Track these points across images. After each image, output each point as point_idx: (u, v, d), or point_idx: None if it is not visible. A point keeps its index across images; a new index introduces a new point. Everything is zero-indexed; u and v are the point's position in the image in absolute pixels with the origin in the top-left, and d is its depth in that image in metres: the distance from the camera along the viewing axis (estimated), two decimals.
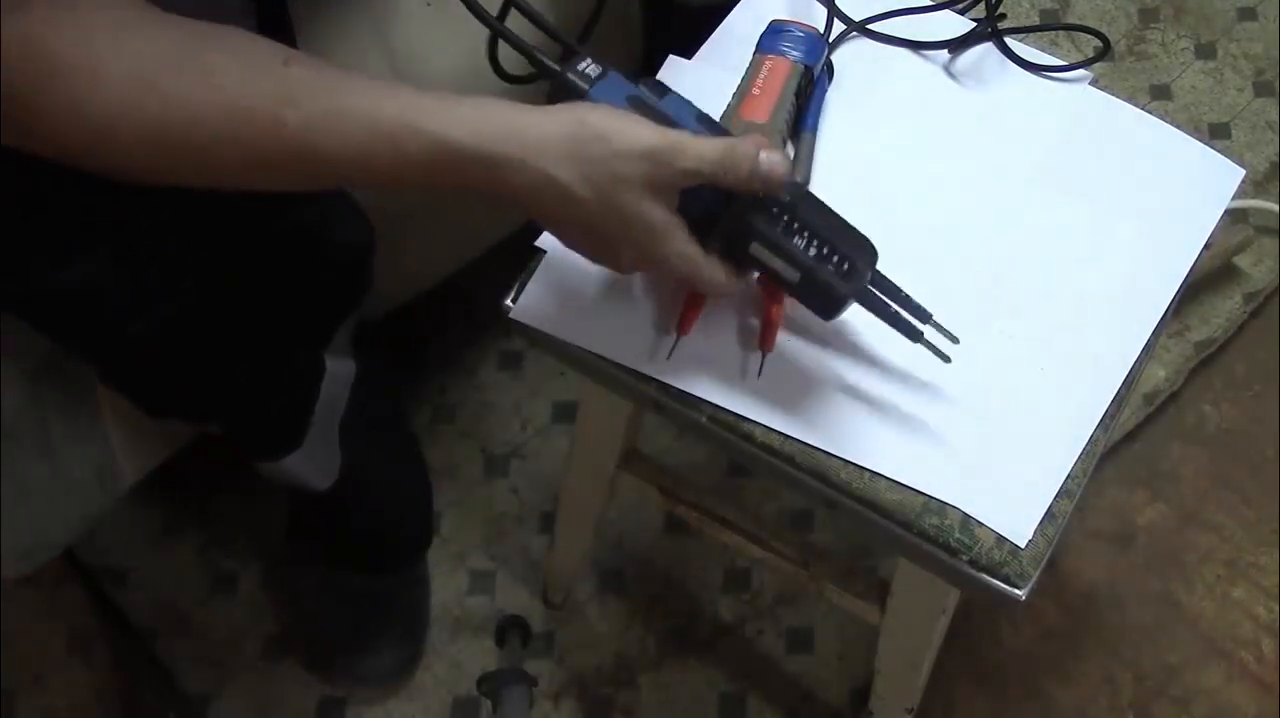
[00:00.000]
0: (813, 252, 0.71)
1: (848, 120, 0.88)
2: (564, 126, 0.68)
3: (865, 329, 0.79)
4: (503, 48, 0.76)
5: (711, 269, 0.72)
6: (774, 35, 0.85)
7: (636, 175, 0.67)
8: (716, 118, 0.75)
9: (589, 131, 0.67)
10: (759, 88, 0.83)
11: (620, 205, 0.68)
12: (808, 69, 0.84)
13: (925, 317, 0.74)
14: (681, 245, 0.70)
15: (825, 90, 0.87)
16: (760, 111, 0.82)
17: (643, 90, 0.72)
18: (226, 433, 1.00)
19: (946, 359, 0.73)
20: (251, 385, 0.93)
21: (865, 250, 0.73)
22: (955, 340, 0.74)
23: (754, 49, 0.85)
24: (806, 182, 0.84)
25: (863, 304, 0.73)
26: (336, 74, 0.68)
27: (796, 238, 0.71)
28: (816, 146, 0.85)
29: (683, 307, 0.78)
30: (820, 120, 0.86)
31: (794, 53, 0.84)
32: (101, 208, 0.74)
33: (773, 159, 0.69)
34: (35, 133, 0.65)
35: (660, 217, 0.69)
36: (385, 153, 0.67)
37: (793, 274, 0.72)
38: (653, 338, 0.79)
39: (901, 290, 0.74)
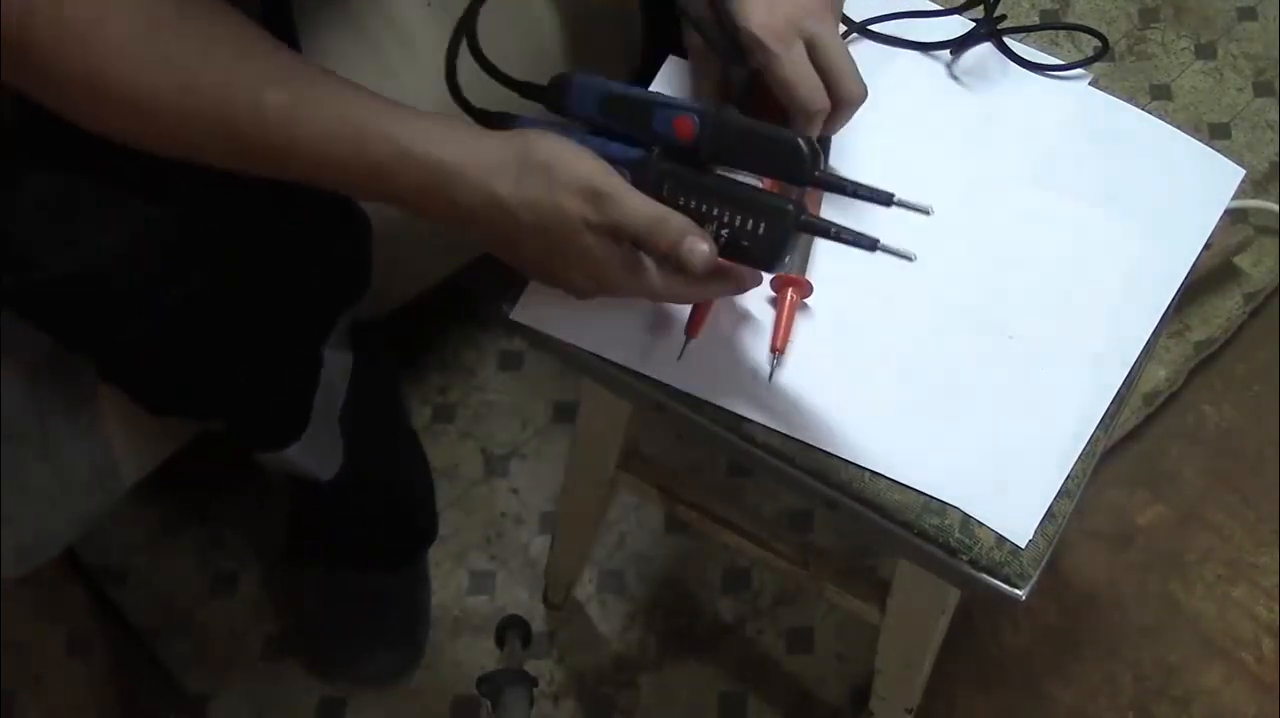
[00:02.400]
0: (727, 230, 0.72)
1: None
2: (513, 150, 0.69)
3: (865, 329, 0.80)
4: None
5: (665, 283, 0.72)
6: None
7: (573, 210, 0.68)
8: None
9: (534, 159, 0.69)
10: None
11: (559, 236, 0.69)
12: None
13: (872, 243, 0.71)
14: (624, 275, 0.71)
15: None
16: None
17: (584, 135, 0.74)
18: (227, 425, 1.00)
19: (911, 258, 0.71)
20: (250, 380, 0.93)
21: (779, 211, 0.72)
22: (927, 212, 0.72)
23: None
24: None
25: (784, 252, 0.73)
26: (319, 70, 0.70)
27: (714, 216, 0.72)
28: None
29: (692, 308, 0.78)
30: None
31: None
32: (105, 200, 0.74)
33: (695, 249, 0.69)
34: (26, 68, 0.65)
35: (599, 250, 0.70)
36: (348, 151, 0.68)
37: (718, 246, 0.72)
38: (653, 338, 0.79)
39: (835, 224, 0.72)
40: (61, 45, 0.64)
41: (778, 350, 0.78)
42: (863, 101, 0.79)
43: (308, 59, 0.71)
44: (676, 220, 0.69)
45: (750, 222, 0.71)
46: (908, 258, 0.70)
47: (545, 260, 0.72)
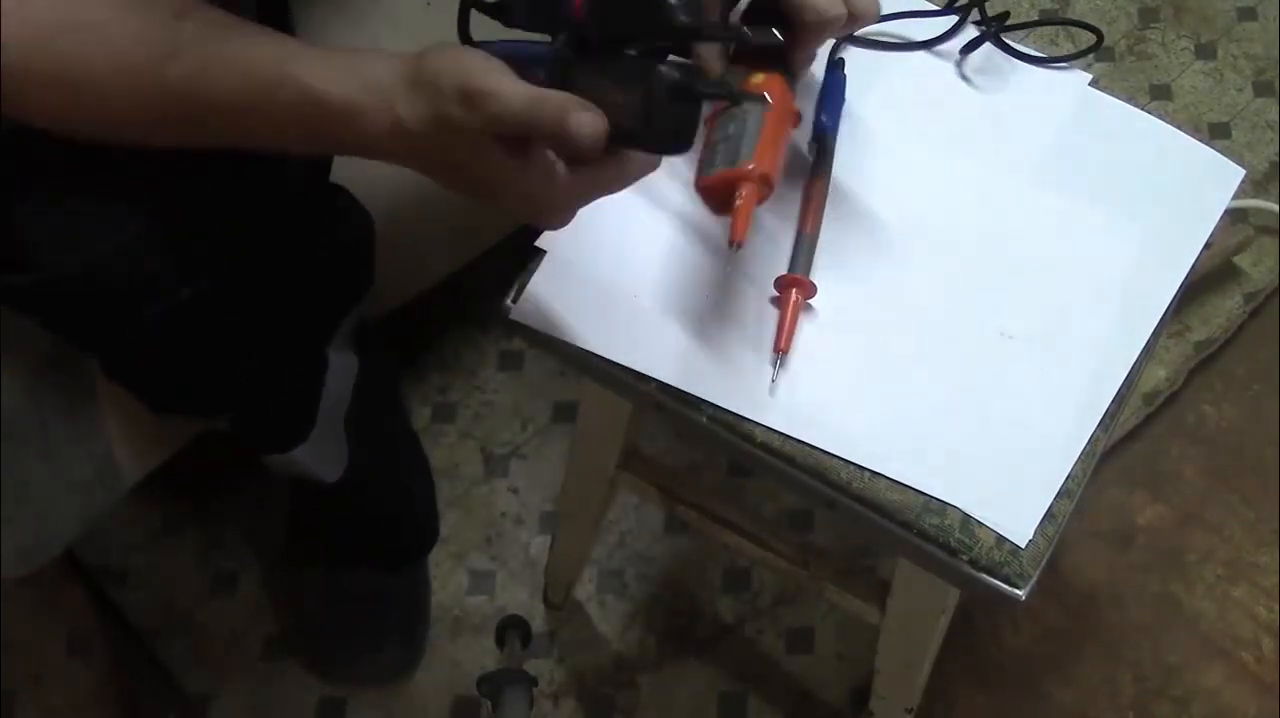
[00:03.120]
0: (622, 113, 0.67)
1: (847, 121, 0.88)
2: (406, 72, 0.66)
3: (864, 329, 0.80)
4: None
5: (590, 179, 0.69)
6: None
7: (457, 116, 0.65)
8: None
9: (423, 75, 0.66)
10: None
11: (460, 151, 0.67)
12: None
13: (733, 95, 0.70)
14: (543, 182, 0.68)
15: (843, 91, 0.87)
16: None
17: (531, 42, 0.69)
18: (233, 427, 1.00)
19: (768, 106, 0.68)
20: (255, 380, 0.93)
21: (651, 75, 0.67)
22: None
23: None
24: (828, 180, 0.84)
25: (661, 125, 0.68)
26: (227, 27, 0.68)
27: (609, 101, 0.67)
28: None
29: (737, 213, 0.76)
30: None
31: None
32: (111, 200, 0.74)
33: (581, 122, 0.65)
34: None
35: (498, 157, 0.66)
36: (261, 103, 0.67)
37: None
38: (654, 338, 0.79)
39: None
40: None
41: (782, 351, 0.78)
42: (876, 18, 0.78)
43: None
44: (555, 98, 0.65)
45: (636, 98, 0.66)
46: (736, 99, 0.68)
47: (471, 183, 0.69)
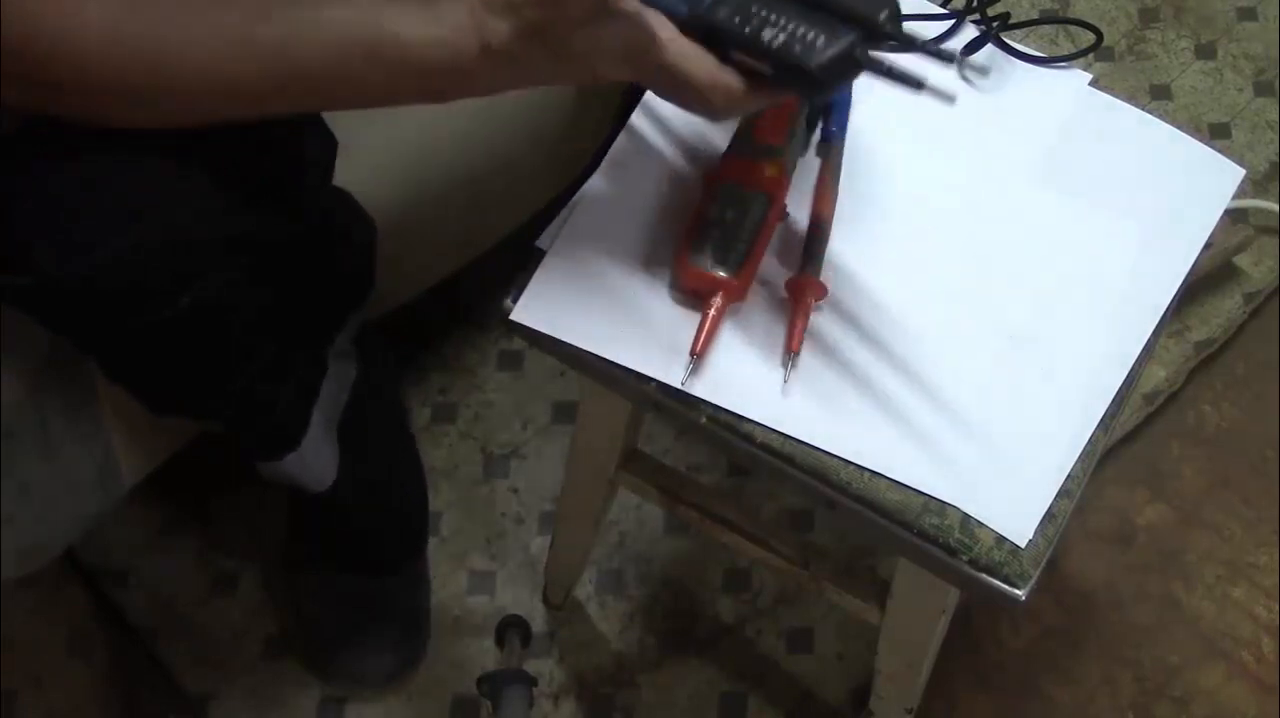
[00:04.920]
0: (780, 38, 0.70)
1: (851, 122, 0.88)
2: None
3: (863, 329, 0.80)
4: None
5: (703, 67, 0.70)
6: None
7: (533, 19, 0.67)
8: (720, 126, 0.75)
9: None
10: (773, 109, 0.83)
11: (544, 47, 0.68)
12: None
13: (918, 82, 0.70)
14: (624, 34, 0.69)
15: (850, 96, 0.87)
16: (775, 134, 0.82)
17: None
18: (227, 433, 1.00)
19: (951, 100, 0.69)
20: (255, 383, 0.93)
21: (850, 22, 0.70)
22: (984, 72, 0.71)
23: None
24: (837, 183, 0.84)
25: (845, 75, 0.71)
26: None
27: (762, 28, 0.70)
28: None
29: (701, 324, 0.78)
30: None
31: None
32: (115, 203, 0.74)
33: None
34: (16, 68, 0.65)
35: (581, 31, 0.68)
36: (356, 63, 0.68)
37: (765, 67, 0.70)
38: (654, 338, 0.79)
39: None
40: (44, 38, 0.64)
41: (793, 351, 0.78)
42: None
43: None
44: None
45: (810, 31, 0.69)
46: (949, 99, 0.68)
47: (584, 68, 0.70)
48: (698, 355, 0.77)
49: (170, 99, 0.69)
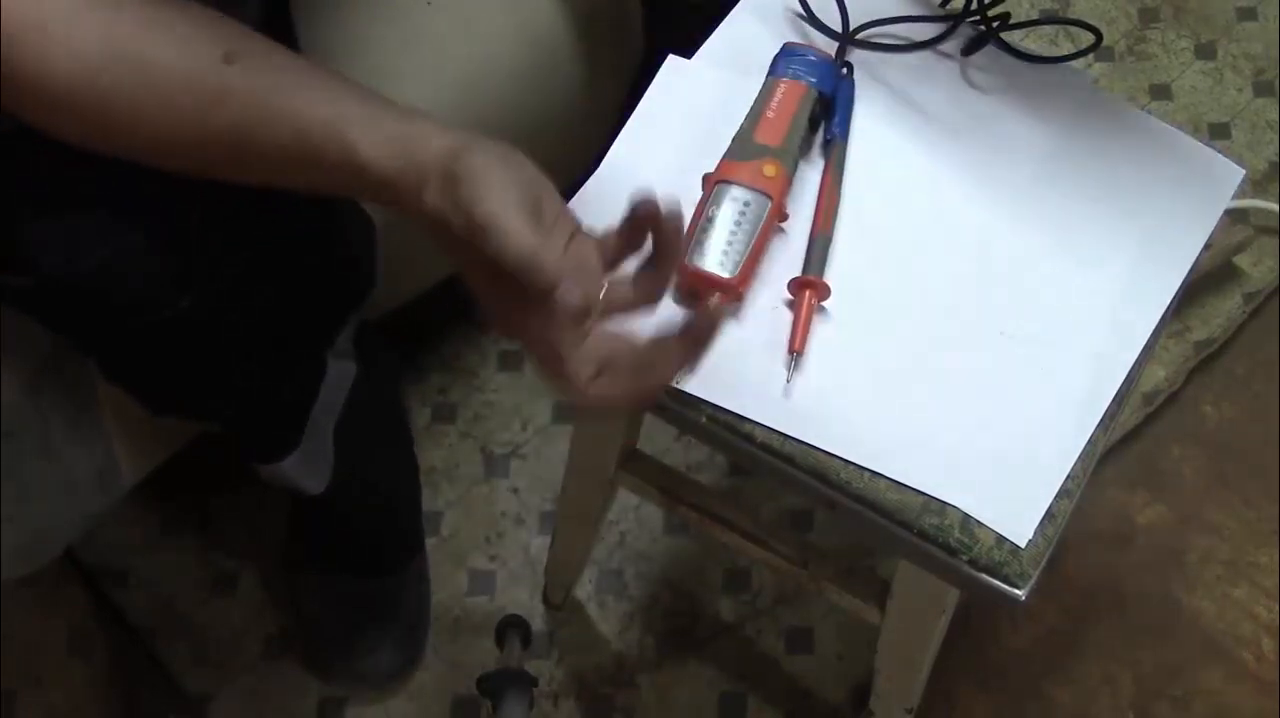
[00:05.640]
0: None
1: (853, 123, 0.88)
2: (448, 155, 0.65)
3: (863, 329, 0.80)
4: None
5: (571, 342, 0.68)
6: (787, 59, 0.86)
7: (459, 233, 0.65)
8: (719, 124, 0.74)
9: (458, 169, 0.65)
10: (773, 110, 0.83)
11: (464, 259, 0.68)
12: (821, 94, 0.85)
13: None
14: (526, 324, 0.67)
15: (852, 97, 0.87)
16: (775, 135, 0.82)
17: None
18: (225, 435, 1.00)
19: None
20: (255, 384, 0.93)
21: None
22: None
23: (767, 72, 0.86)
24: (840, 184, 0.84)
25: None
26: (277, 71, 0.68)
27: None
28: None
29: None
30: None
31: (808, 78, 0.84)
32: (117, 204, 0.74)
33: (570, 296, 0.65)
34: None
35: (484, 285, 0.67)
36: (307, 159, 0.67)
37: None
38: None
39: None
40: (39, 58, 0.63)
41: (796, 352, 0.78)
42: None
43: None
44: (553, 261, 0.64)
45: None
46: None
47: (479, 292, 0.69)
48: None
49: (130, 155, 0.69)
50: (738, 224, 0.79)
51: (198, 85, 0.66)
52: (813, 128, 0.85)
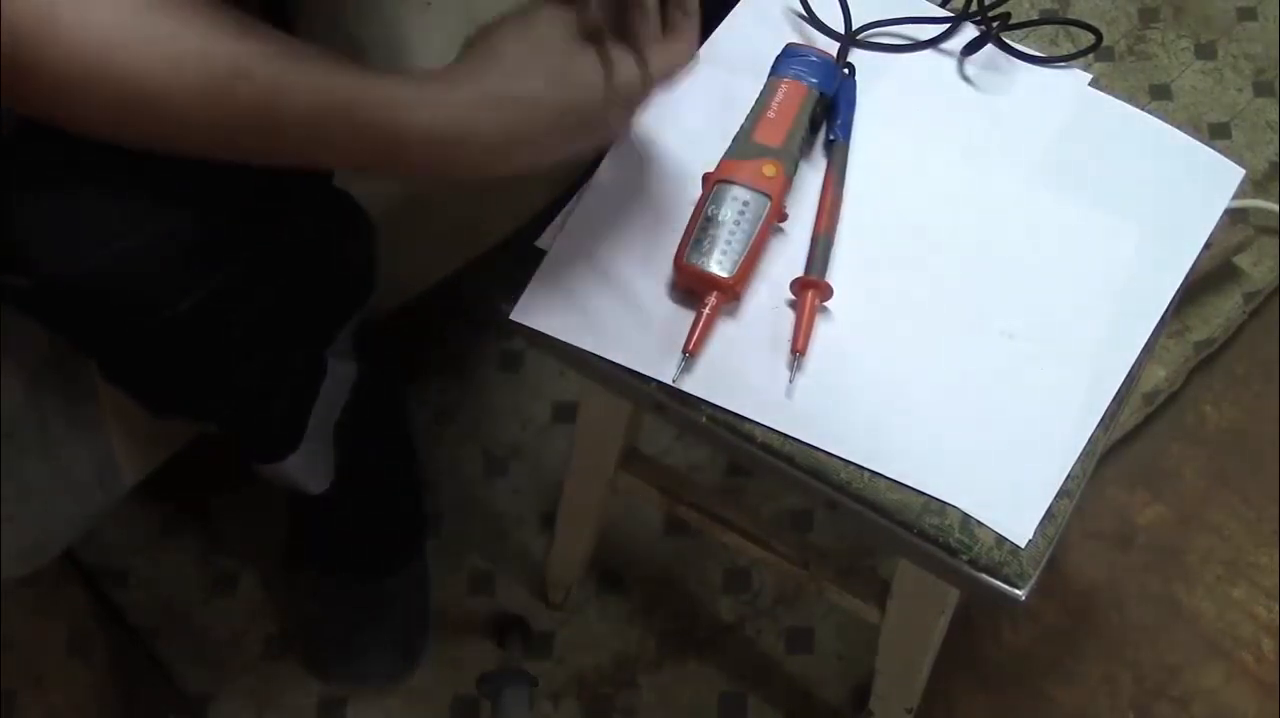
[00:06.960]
0: None
1: (855, 122, 0.88)
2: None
3: (863, 329, 0.80)
4: None
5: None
6: (789, 59, 0.86)
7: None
8: (720, 123, 0.74)
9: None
10: (774, 111, 0.83)
11: (490, 50, 0.70)
12: (822, 95, 0.85)
13: None
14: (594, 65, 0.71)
15: (854, 98, 0.87)
16: (775, 135, 0.82)
17: None
18: (225, 434, 1.00)
19: None
20: (255, 384, 0.93)
21: None
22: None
23: (768, 72, 0.86)
24: (842, 184, 0.84)
25: None
26: (289, 45, 0.68)
27: None
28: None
29: (695, 322, 0.78)
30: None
31: (810, 78, 0.84)
32: (119, 205, 0.74)
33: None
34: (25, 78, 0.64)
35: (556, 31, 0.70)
36: (339, 123, 0.67)
37: None
38: (653, 338, 0.79)
39: None
40: (17, 69, 0.63)
41: (799, 352, 0.78)
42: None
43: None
44: None
45: None
46: None
47: (531, 81, 0.70)
48: (690, 353, 0.77)
49: (151, 141, 0.68)
50: (737, 224, 0.79)
51: (220, 58, 0.66)
52: (814, 128, 0.85)
